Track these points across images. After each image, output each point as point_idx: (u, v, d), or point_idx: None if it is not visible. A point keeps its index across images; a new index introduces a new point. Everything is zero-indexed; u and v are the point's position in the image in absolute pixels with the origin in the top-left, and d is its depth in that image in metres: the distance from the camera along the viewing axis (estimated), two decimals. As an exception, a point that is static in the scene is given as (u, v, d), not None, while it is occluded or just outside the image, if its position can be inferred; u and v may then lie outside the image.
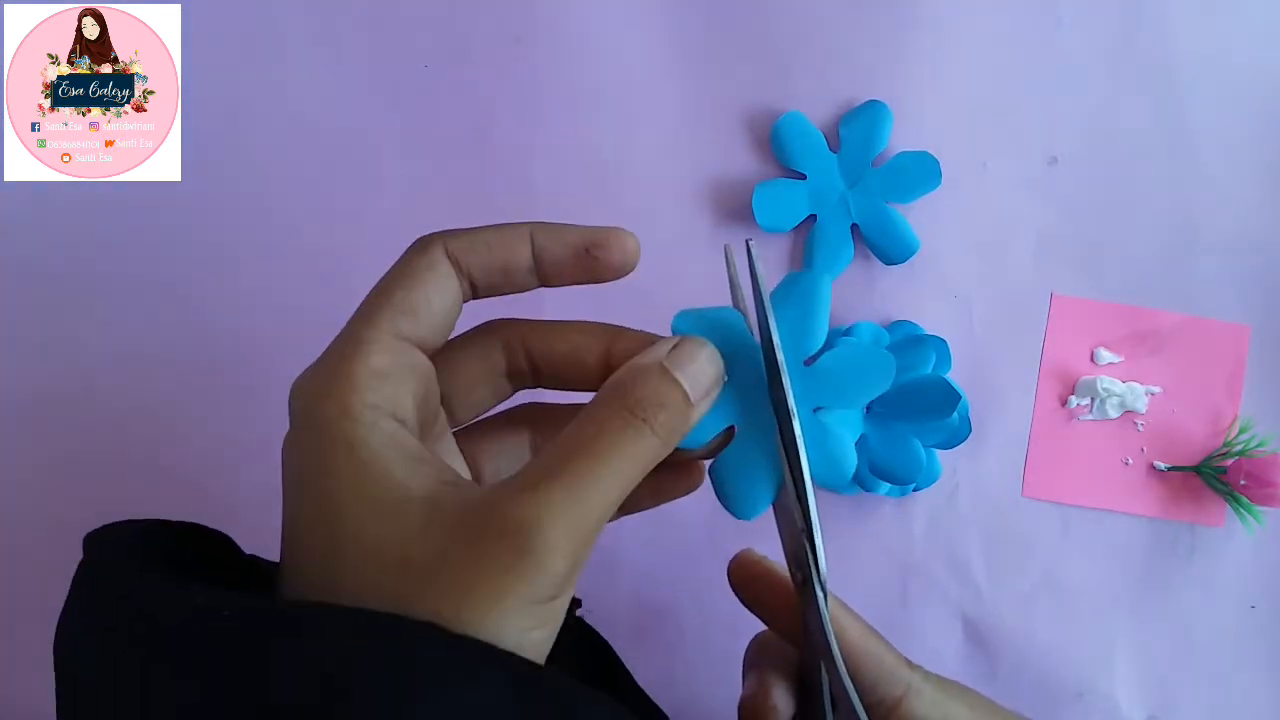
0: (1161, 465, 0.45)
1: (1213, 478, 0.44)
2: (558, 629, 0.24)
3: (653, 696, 0.44)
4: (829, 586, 0.28)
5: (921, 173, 0.44)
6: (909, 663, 0.31)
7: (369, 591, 0.23)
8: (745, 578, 0.32)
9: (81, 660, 0.24)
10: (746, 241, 0.28)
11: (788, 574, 0.30)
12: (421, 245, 0.27)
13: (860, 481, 0.43)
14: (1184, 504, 0.45)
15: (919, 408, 0.41)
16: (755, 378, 0.28)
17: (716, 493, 0.29)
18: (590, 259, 0.28)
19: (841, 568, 0.44)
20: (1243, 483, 0.42)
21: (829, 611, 0.28)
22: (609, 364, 0.28)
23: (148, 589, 0.23)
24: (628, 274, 0.29)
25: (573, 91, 0.45)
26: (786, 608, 0.30)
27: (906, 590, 0.44)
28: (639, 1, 0.45)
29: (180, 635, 0.22)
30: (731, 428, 0.28)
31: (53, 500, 0.43)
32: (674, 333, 0.28)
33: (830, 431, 0.28)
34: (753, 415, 0.28)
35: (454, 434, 0.30)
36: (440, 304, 0.27)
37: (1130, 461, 0.45)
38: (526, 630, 0.23)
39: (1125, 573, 0.45)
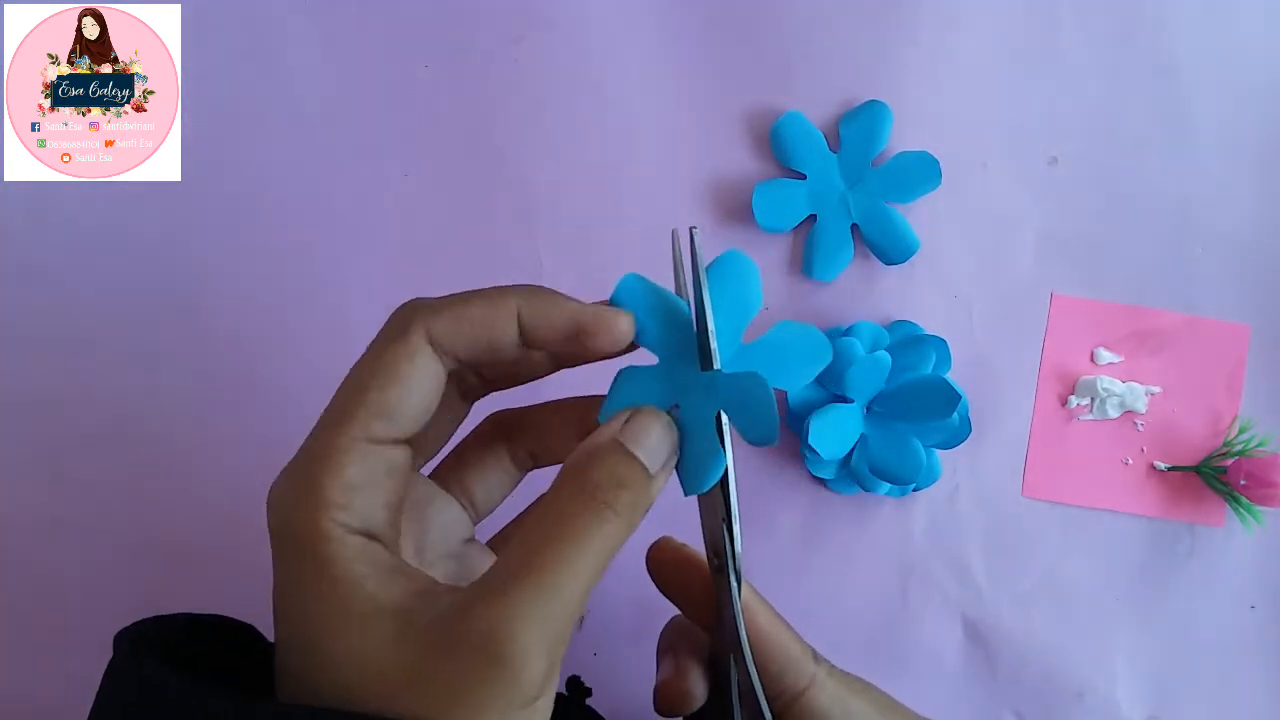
0: (1161, 465, 0.45)
1: (1213, 478, 0.44)
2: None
3: (652, 696, 0.44)
4: (743, 573, 0.28)
5: (921, 173, 0.44)
6: (815, 655, 0.31)
7: (351, 703, 0.23)
8: (662, 562, 0.31)
9: None
10: (690, 229, 0.28)
11: (705, 561, 0.30)
12: (399, 329, 0.26)
13: (860, 481, 0.43)
14: (1184, 504, 0.45)
15: (919, 408, 0.41)
16: (693, 353, 0.27)
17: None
18: (578, 342, 0.27)
19: (841, 568, 0.44)
20: (1243, 483, 0.42)
21: (740, 600, 0.28)
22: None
23: (158, 695, 0.23)
24: (619, 354, 0.28)
25: (573, 91, 0.45)
26: (702, 594, 0.30)
27: (906, 590, 0.44)
28: (639, 2, 0.45)
29: None
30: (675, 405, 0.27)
31: (52, 499, 0.43)
32: (615, 298, 0.28)
33: (748, 389, 0.26)
34: (693, 390, 0.27)
35: (435, 473, 0.31)
36: (419, 398, 0.26)
37: (1130, 461, 0.45)
38: None
39: (1125, 573, 0.45)
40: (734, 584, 0.28)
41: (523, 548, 0.24)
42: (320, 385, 0.41)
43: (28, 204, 0.43)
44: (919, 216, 0.44)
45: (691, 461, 0.27)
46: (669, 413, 0.27)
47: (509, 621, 0.23)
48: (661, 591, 0.32)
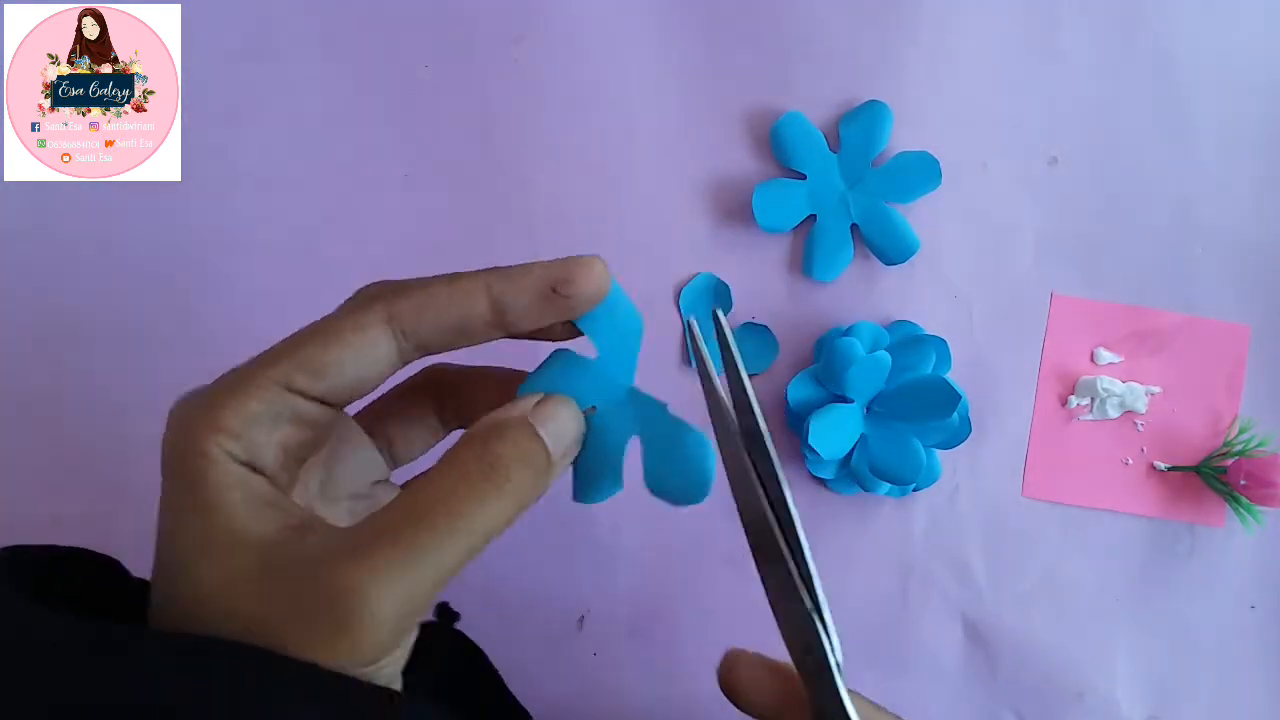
0: (1161, 465, 0.45)
1: (1213, 478, 0.44)
2: (393, 681, 0.23)
3: (651, 696, 0.44)
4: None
5: (921, 173, 0.44)
6: None
7: (200, 629, 0.23)
8: (742, 676, 0.30)
9: None
10: (715, 310, 0.27)
11: (786, 664, 0.28)
12: (359, 304, 0.26)
13: (860, 481, 0.43)
14: (1184, 504, 0.45)
15: (919, 408, 0.41)
16: (626, 362, 0.27)
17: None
18: (559, 298, 0.26)
19: (841, 568, 0.44)
20: (1243, 483, 0.42)
21: (850, 703, 0.26)
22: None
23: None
24: (600, 301, 0.26)
25: (573, 91, 0.45)
26: (793, 702, 0.28)
27: (906, 590, 0.44)
28: (639, 1, 0.45)
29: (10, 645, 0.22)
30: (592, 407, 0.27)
31: (52, 499, 0.43)
32: (522, 393, 0.27)
33: (677, 437, 0.26)
34: (618, 404, 0.27)
35: (360, 415, 0.30)
36: (357, 370, 0.25)
37: (1130, 461, 0.45)
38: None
39: (1125, 573, 0.45)
40: (839, 687, 0.26)
41: (405, 507, 0.23)
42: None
43: (28, 204, 0.43)
44: (919, 216, 0.44)
45: (586, 472, 0.26)
46: (585, 412, 0.26)
47: (364, 583, 0.22)
48: (744, 709, 0.29)
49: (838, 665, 0.26)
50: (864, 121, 0.44)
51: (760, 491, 0.27)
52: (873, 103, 0.44)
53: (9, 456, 0.43)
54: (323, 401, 0.26)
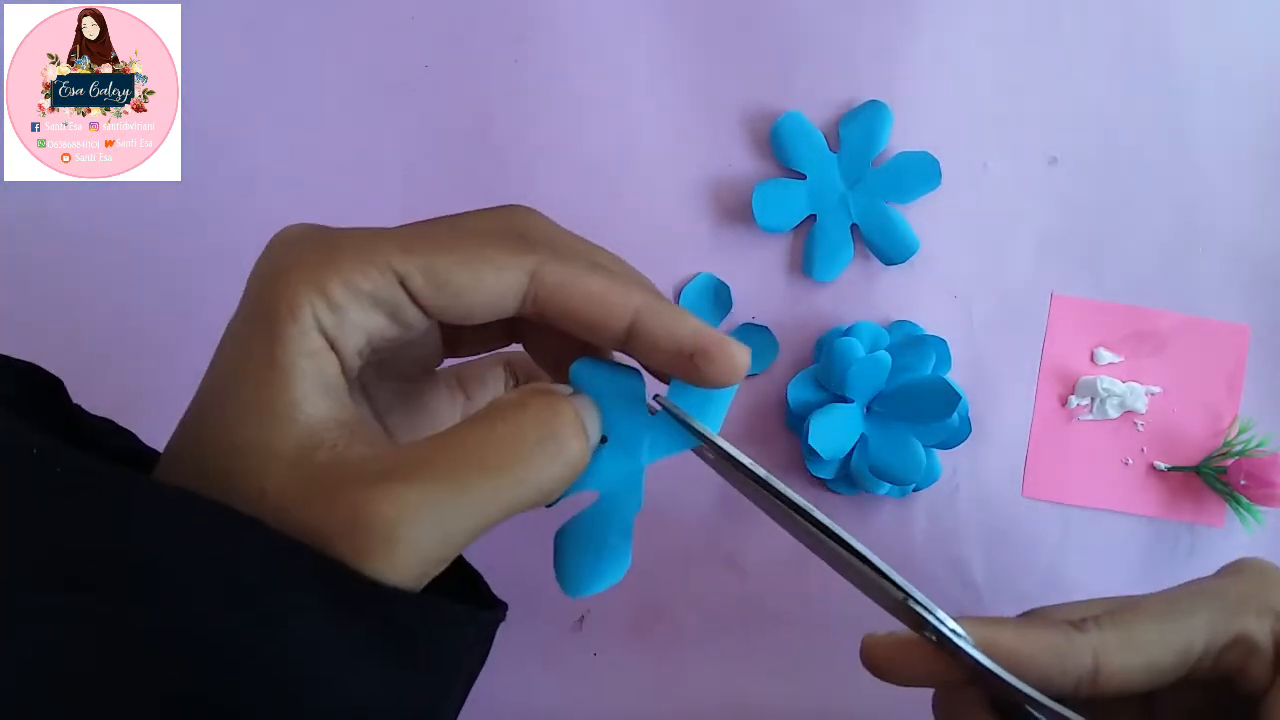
0: (1161, 465, 0.45)
1: (1213, 478, 0.44)
2: None
3: (651, 696, 0.44)
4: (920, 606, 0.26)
5: (921, 173, 0.44)
6: (1074, 624, 0.28)
7: (226, 494, 0.21)
8: (885, 658, 0.29)
9: None
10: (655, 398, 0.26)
11: (916, 637, 0.28)
12: (519, 248, 0.24)
13: (860, 482, 0.43)
14: (1184, 504, 0.45)
15: (919, 408, 0.41)
16: (635, 449, 0.26)
17: (555, 558, 0.26)
18: (691, 365, 0.24)
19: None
20: (1243, 483, 0.42)
21: (980, 652, 0.26)
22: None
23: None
24: (723, 387, 0.25)
25: (573, 91, 0.45)
26: (944, 665, 0.27)
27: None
28: (639, 2, 0.45)
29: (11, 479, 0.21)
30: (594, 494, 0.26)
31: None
32: (573, 378, 0.26)
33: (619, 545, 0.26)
34: (620, 489, 0.26)
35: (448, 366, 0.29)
36: (473, 301, 0.24)
37: (1130, 461, 0.45)
38: None
39: (1125, 573, 0.45)
40: (969, 650, 0.25)
41: (454, 448, 0.22)
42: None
43: (28, 204, 0.43)
44: (919, 216, 0.44)
45: (583, 563, 0.26)
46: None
47: (395, 509, 0.20)
48: (907, 684, 0.29)
49: (954, 632, 0.26)
50: (864, 121, 0.44)
51: (809, 526, 0.28)
52: (873, 103, 0.44)
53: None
54: (426, 312, 0.24)
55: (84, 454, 0.21)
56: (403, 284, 0.23)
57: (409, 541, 0.20)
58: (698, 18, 0.45)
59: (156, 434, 0.44)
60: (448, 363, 0.30)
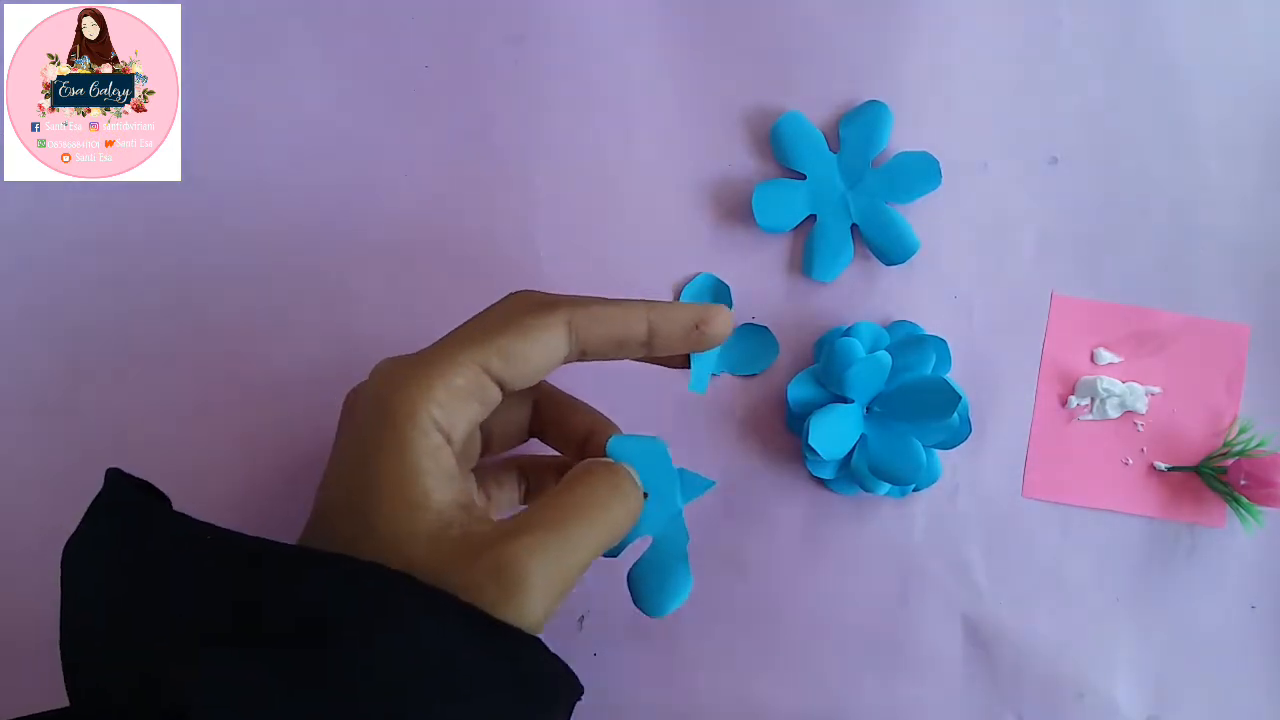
0: (1161, 465, 0.45)
1: (1213, 478, 0.44)
2: None
3: (652, 696, 0.44)
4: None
5: (921, 173, 0.44)
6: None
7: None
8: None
9: (92, 572, 0.27)
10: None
11: None
12: (549, 307, 0.31)
13: (860, 482, 0.43)
14: (1184, 504, 0.45)
15: (919, 408, 0.41)
16: (671, 497, 0.33)
17: (631, 592, 0.33)
18: (698, 333, 0.32)
19: (841, 568, 0.44)
20: (1243, 483, 0.42)
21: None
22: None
23: (171, 519, 0.27)
24: (719, 345, 0.33)
25: (573, 91, 0.45)
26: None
27: (906, 590, 0.44)
28: (640, 2, 0.45)
29: (194, 554, 0.26)
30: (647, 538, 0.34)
31: (51, 500, 0.43)
32: (610, 454, 0.33)
33: (678, 569, 0.34)
34: (667, 530, 0.34)
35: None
36: (538, 362, 0.30)
37: (1130, 462, 0.45)
38: None
39: (1125, 573, 0.45)
40: None
41: (553, 507, 0.29)
42: (320, 384, 0.41)
43: (28, 204, 0.43)
44: (919, 216, 0.44)
45: (655, 590, 0.34)
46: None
47: (528, 559, 0.26)
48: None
49: None
50: (864, 121, 0.44)
51: None
52: (873, 103, 0.44)
53: (8, 457, 0.43)
54: (501, 386, 0.30)
55: (254, 537, 0.27)
56: (485, 370, 0.29)
57: (538, 580, 0.26)
58: (698, 18, 0.45)
59: (157, 433, 0.44)
60: None
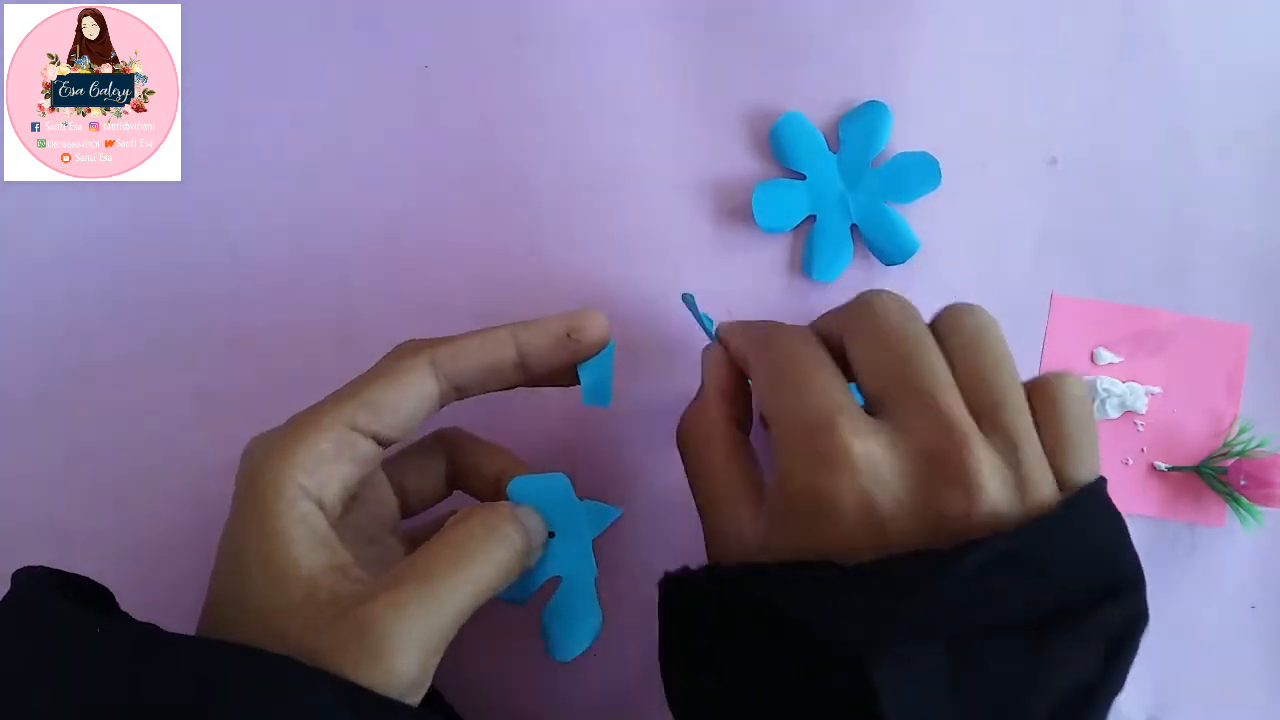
0: (1161, 465, 0.45)
1: (1213, 478, 0.44)
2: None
3: (652, 696, 0.44)
4: None
5: (921, 173, 0.44)
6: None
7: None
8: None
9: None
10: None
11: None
12: (408, 351, 0.31)
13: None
14: (1184, 504, 0.45)
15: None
16: (579, 533, 0.33)
17: (543, 637, 0.34)
18: (572, 342, 0.32)
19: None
20: (1243, 483, 0.42)
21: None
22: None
23: (60, 610, 0.27)
24: (602, 350, 0.33)
25: (573, 91, 0.45)
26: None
27: (906, 590, 0.44)
28: (640, 2, 0.45)
29: (78, 643, 0.25)
30: (557, 578, 0.34)
31: (51, 500, 0.43)
32: (511, 496, 0.33)
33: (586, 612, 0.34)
34: (575, 567, 0.33)
35: (384, 465, 0.34)
36: (409, 407, 0.30)
37: (1130, 461, 0.45)
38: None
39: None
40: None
41: (423, 558, 0.28)
42: (320, 384, 0.41)
43: (28, 204, 0.43)
44: (919, 216, 0.44)
45: (564, 633, 0.34)
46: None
47: (391, 618, 0.26)
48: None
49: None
50: (864, 121, 0.44)
51: None
52: (873, 103, 0.44)
53: (6, 457, 0.43)
54: (376, 439, 0.30)
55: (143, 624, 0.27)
56: (352, 427, 0.29)
57: (401, 639, 0.26)
58: (698, 18, 0.45)
59: (157, 432, 0.44)
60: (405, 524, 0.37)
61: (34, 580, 0.29)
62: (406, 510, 0.35)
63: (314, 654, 0.25)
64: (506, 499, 0.33)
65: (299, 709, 0.24)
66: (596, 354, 0.33)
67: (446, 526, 0.30)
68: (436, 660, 0.27)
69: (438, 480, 0.36)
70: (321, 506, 0.29)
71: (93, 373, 0.44)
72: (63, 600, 0.27)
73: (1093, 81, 0.45)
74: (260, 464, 0.29)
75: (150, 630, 0.26)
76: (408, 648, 0.26)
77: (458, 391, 0.32)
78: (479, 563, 0.29)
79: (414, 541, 0.35)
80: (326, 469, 0.29)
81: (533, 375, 0.33)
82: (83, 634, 0.26)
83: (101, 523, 0.43)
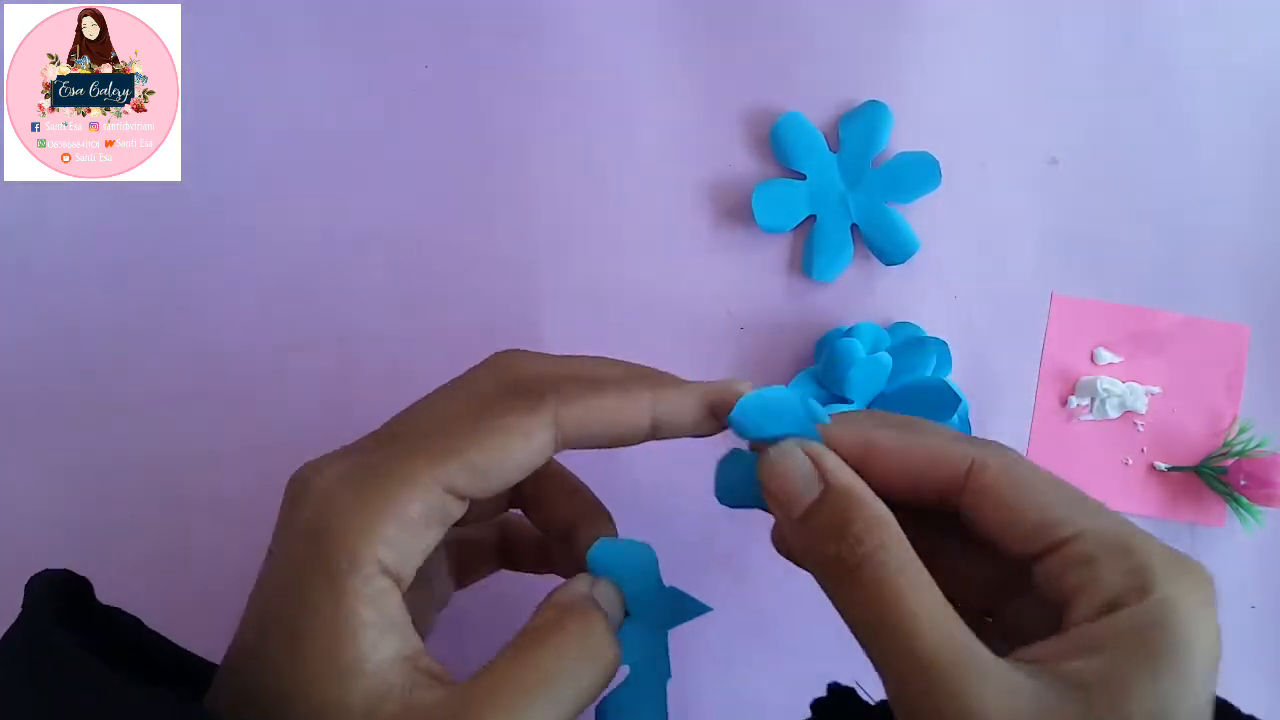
0: (1161, 465, 0.45)
1: (1213, 478, 0.44)
2: None
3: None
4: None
5: (921, 173, 0.44)
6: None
7: None
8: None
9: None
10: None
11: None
12: (530, 403, 0.25)
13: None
14: (1184, 504, 0.45)
15: (919, 410, 0.41)
16: (655, 619, 0.28)
17: None
18: (713, 418, 0.27)
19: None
20: (1243, 483, 0.42)
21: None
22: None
23: (81, 669, 0.22)
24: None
25: (573, 91, 0.45)
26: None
27: (906, 590, 0.44)
28: (639, 2, 0.45)
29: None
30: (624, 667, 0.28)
31: (51, 499, 0.43)
32: (590, 562, 0.28)
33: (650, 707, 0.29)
34: (647, 661, 0.29)
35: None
36: (513, 473, 0.25)
37: (1130, 461, 0.45)
38: None
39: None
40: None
41: (505, 673, 0.24)
42: (321, 384, 0.41)
43: (28, 204, 0.43)
44: (919, 216, 0.44)
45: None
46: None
47: None
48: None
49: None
50: (864, 121, 0.44)
51: None
52: (873, 103, 0.44)
53: (6, 457, 0.43)
54: (465, 497, 0.25)
55: (155, 689, 0.22)
56: (449, 490, 0.24)
57: None
58: (698, 18, 0.45)
59: (157, 432, 0.44)
60: None
61: (42, 614, 0.25)
62: (457, 585, 0.32)
63: None
64: (581, 556, 0.28)
65: None
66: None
67: (535, 635, 0.25)
68: None
69: (495, 508, 0.31)
70: (399, 582, 0.24)
71: (92, 373, 0.44)
72: (87, 655, 0.23)
73: (1093, 81, 0.45)
74: (332, 523, 0.23)
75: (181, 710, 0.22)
76: None
77: (567, 447, 0.26)
78: (573, 690, 0.24)
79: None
80: (412, 540, 0.24)
81: (661, 438, 0.27)
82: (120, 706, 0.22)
83: (101, 522, 0.43)
